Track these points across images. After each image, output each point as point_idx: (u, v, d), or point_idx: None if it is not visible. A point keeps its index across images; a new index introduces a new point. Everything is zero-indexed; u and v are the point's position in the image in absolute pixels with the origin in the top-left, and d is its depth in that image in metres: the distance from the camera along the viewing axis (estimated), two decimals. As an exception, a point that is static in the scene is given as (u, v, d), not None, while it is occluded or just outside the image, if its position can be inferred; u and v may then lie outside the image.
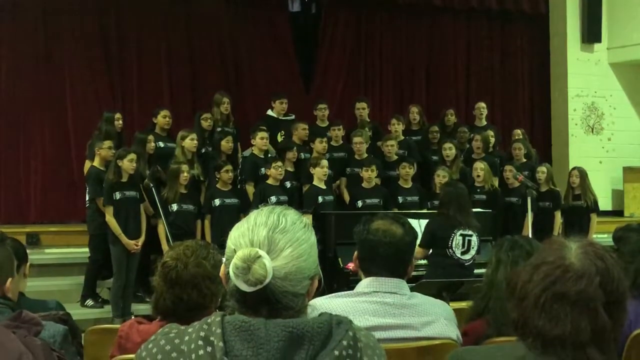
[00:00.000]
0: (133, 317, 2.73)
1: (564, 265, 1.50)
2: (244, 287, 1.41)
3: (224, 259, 1.51)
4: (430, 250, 5.77)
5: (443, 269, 5.53)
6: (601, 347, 1.48)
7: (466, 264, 5.67)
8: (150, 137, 7.76)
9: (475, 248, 5.71)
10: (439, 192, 6.60)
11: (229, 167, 7.55)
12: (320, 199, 7.59)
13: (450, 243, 5.62)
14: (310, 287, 1.50)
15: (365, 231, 2.64)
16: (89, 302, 7.25)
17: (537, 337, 1.49)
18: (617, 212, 10.99)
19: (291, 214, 1.52)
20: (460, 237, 5.64)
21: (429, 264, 5.74)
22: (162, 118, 8.12)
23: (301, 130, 8.52)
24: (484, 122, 9.85)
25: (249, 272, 1.40)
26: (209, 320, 1.42)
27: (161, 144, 7.97)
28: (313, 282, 1.50)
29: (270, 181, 7.52)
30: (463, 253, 5.66)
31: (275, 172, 7.46)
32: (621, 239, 3.32)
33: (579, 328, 1.46)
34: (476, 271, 5.73)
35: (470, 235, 5.68)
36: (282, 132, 8.78)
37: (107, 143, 7.30)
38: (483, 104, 9.97)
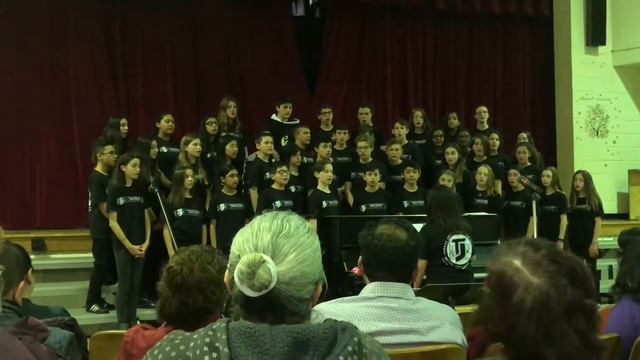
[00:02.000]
0: (138, 323, 2.73)
1: (537, 291, 1.46)
2: (249, 293, 1.41)
3: (228, 264, 1.51)
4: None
5: (442, 276, 5.51)
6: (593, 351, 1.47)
7: (462, 268, 5.67)
8: (154, 142, 7.77)
9: (470, 251, 5.70)
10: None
11: (234, 171, 7.56)
12: (324, 203, 7.59)
13: (444, 251, 5.62)
14: (314, 292, 1.50)
15: (370, 236, 2.64)
16: (94, 307, 7.26)
17: None
18: (623, 215, 10.96)
19: (295, 219, 1.52)
20: (453, 243, 5.64)
21: (427, 273, 5.73)
22: (165, 123, 8.12)
23: (303, 134, 8.53)
24: (486, 126, 9.85)
25: (254, 277, 1.40)
26: (214, 327, 1.42)
27: (164, 149, 7.98)
28: (317, 287, 1.51)
29: (275, 186, 7.53)
30: (458, 259, 5.66)
31: (279, 176, 7.47)
32: (627, 243, 3.32)
33: (583, 333, 1.45)
34: (479, 275, 5.72)
35: (463, 240, 5.67)
36: (286, 136, 8.78)
37: (109, 148, 7.32)
38: (484, 108, 9.97)
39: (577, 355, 1.43)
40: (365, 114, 9.23)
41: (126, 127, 8.03)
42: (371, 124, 9.27)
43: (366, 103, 9.56)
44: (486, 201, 8.11)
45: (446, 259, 5.62)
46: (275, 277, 1.41)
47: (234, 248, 1.50)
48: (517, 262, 1.49)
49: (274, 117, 8.97)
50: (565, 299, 1.44)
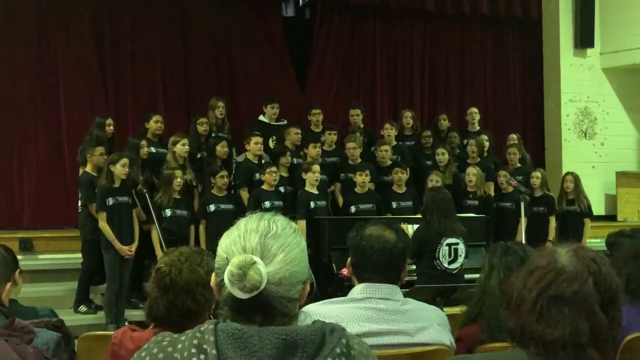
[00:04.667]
0: (127, 324, 2.72)
1: (557, 269, 1.51)
2: (240, 294, 1.41)
3: (215, 268, 1.51)
4: (416, 261, 5.76)
5: (433, 279, 5.50)
6: (600, 347, 1.48)
7: (454, 272, 5.66)
8: (144, 142, 7.74)
9: (463, 255, 5.68)
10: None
11: (225, 172, 7.54)
12: (312, 204, 7.58)
13: (437, 254, 5.61)
14: (302, 291, 1.51)
15: (359, 237, 2.64)
16: (82, 308, 7.22)
17: (538, 343, 1.48)
18: (610, 217, 11.01)
19: (281, 220, 1.53)
20: (447, 247, 5.62)
21: (418, 274, 5.72)
22: (154, 123, 8.10)
23: (294, 135, 8.53)
24: (477, 127, 9.87)
25: (245, 279, 1.40)
26: (202, 328, 1.42)
27: (153, 149, 7.95)
28: (305, 286, 1.52)
29: (265, 186, 7.52)
30: (450, 262, 5.64)
31: (269, 177, 7.46)
32: (614, 245, 3.32)
33: (578, 329, 1.46)
34: (467, 276, 5.72)
35: (457, 244, 5.65)
36: (274, 137, 8.77)
37: (99, 149, 7.29)
38: (475, 109, 9.99)
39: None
40: (356, 116, 9.23)
41: (112, 127, 7.98)
42: (362, 125, 9.28)
43: (357, 105, 9.54)
44: (477, 202, 8.13)
45: (438, 262, 5.61)
46: (265, 278, 1.41)
47: (221, 251, 1.49)
48: (562, 249, 1.56)
49: (261, 117, 8.95)
50: (579, 291, 1.48)
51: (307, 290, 1.52)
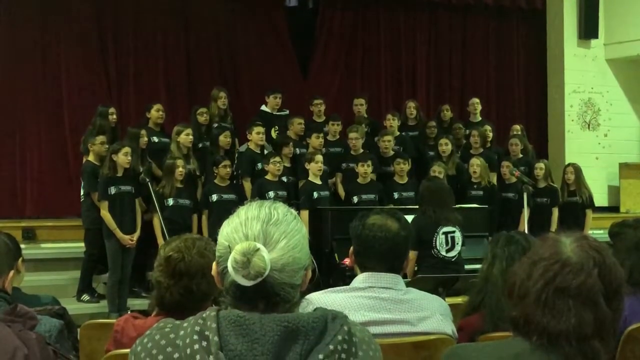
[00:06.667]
0: (129, 312, 2.72)
1: (562, 260, 1.50)
2: (244, 282, 1.41)
3: (217, 256, 1.50)
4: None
5: (433, 268, 5.51)
6: (603, 338, 1.48)
7: (452, 260, 5.67)
8: (143, 131, 7.73)
9: (460, 243, 5.70)
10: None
11: (227, 162, 7.53)
12: (315, 194, 7.59)
13: (434, 243, 5.62)
14: (304, 277, 1.51)
15: (361, 226, 2.64)
16: (85, 296, 7.24)
17: (542, 334, 1.48)
18: (613, 208, 11.01)
19: (281, 207, 1.53)
20: (443, 236, 5.62)
21: (417, 264, 5.73)
22: (155, 112, 8.09)
23: (297, 125, 8.52)
24: (479, 118, 9.85)
25: (249, 266, 1.40)
26: (204, 315, 1.42)
27: (155, 139, 7.95)
28: (307, 272, 1.52)
29: (268, 176, 7.52)
30: (448, 251, 5.65)
31: (273, 167, 7.46)
32: (617, 235, 3.32)
33: (582, 321, 1.46)
34: (470, 267, 5.73)
35: (453, 232, 5.66)
36: (276, 127, 8.76)
37: (100, 138, 7.28)
38: (477, 100, 9.97)
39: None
40: (360, 105, 9.23)
41: (115, 116, 7.99)
42: (366, 115, 9.27)
43: (361, 94, 9.55)
44: (481, 192, 8.13)
45: (435, 251, 5.62)
46: (269, 265, 1.41)
47: (223, 239, 1.49)
48: (565, 239, 1.56)
49: (263, 107, 8.94)
50: (585, 283, 1.48)
51: (308, 276, 1.53)
